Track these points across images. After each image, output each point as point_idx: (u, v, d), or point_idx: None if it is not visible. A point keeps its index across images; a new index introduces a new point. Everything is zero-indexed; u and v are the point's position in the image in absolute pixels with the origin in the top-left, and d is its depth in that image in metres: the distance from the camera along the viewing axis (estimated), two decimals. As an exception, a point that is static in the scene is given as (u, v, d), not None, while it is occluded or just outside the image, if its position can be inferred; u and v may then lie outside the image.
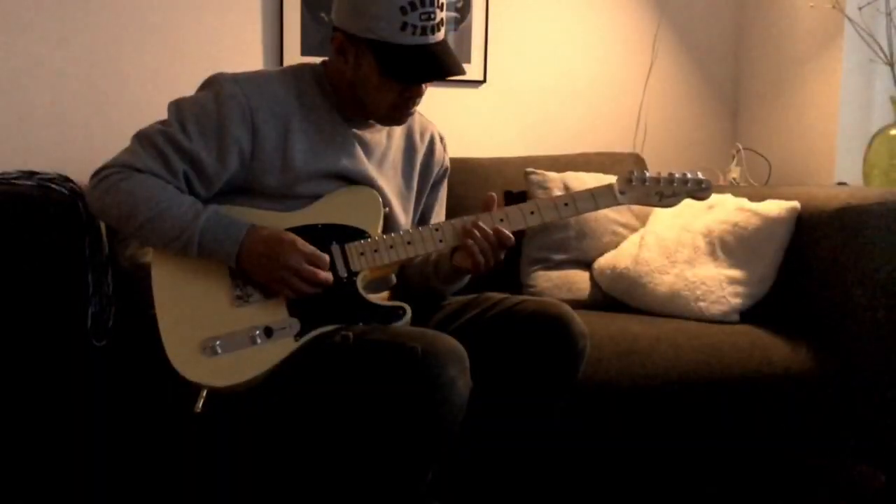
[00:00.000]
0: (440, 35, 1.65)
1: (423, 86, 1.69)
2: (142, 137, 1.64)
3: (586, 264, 2.41)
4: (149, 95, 2.40)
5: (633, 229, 2.44)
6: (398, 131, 1.83)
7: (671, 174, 1.77)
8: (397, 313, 1.64)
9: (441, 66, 1.64)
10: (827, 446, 2.10)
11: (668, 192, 1.76)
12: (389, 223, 1.77)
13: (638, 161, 2.76)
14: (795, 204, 2.16)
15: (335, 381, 1.56)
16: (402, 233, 1.70)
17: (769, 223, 2.15)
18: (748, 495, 2.11)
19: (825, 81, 2.69)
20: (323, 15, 2.56)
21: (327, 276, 1.61)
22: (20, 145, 2.30)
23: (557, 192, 2.44)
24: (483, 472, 1.74)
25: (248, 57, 2.51)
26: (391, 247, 1.67)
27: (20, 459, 1.63)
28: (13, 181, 1.80)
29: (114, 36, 2.39)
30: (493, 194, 1.73)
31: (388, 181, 1.80)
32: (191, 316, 1.60)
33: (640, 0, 2.92)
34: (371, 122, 1.76)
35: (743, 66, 3.03)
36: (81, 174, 1.91)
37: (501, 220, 1.70)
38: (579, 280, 2.38)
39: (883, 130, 2.50)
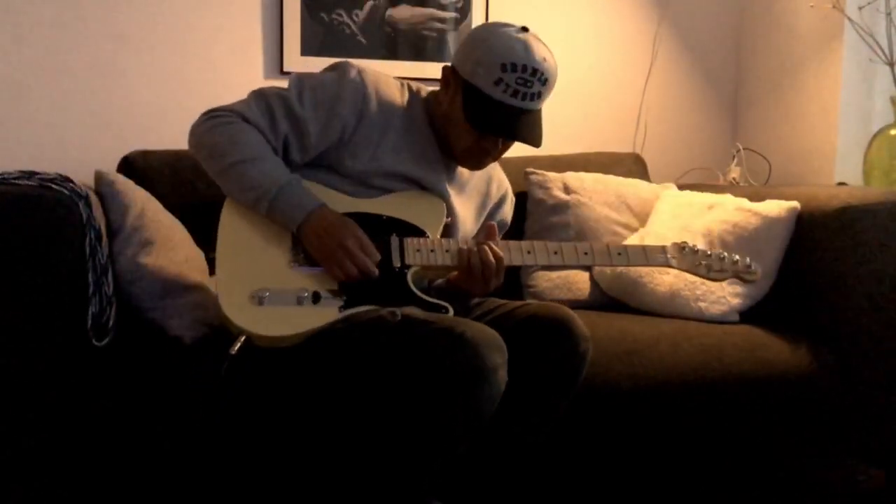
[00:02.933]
0: (534, 105, 1.72)
1: (500, 143, 1.76)
2: (259, 94, 1.75)
3: (586, 264, 2.40)
4: (149, 96, 2.40)
5: (633, 229, 2.44)
6: (480, 174, 1.91)
7: (722, 252, 1.83)
8: (440, 310, 1.67)
9: (515, 128, 1.72)
10: (827, 446, 2.10)
11: (716, 266, 1.81)
12: (449, 235, 1.82)
13: (638, 161, 2.76)
14: (795, 204, 2.16)
15: (380, 354, 1.59)
16: (461, 240, 1.77)
17: (769, 223, 2.15)
18: (748, 495, 2.11)
19: (825, 81, 2.69)
20: (323, 15, 2.56)
21: (374, 268, 1.66)
22: (20, 145, 2.31)
23: (557, 192, 2.44)
24: (483, 472, 1.74)
25: (248, 57, 2.51)
26: (447, 251, 1.73)
27: (20, 459, 1.63)
28: (13, 181, 1.80)
29: (114, 36, 2.39)
30: (493, 224, 1.79)
31: (462, 205, 1.87)
32: (248, 266, 1.68)
33: (640, 0, 2.92)
34: None
35: (743, 66, 3.03)
36: (81, 174, 1.91)
37: (555, 252, 1.76)
38: (579, 280, 2.37)
39: (883, 130, 2.50)
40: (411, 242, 1.72)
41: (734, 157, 2.87)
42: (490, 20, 2.73)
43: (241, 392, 1.66)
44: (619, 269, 2.29)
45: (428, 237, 1.75)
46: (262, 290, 1.63)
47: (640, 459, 2.00)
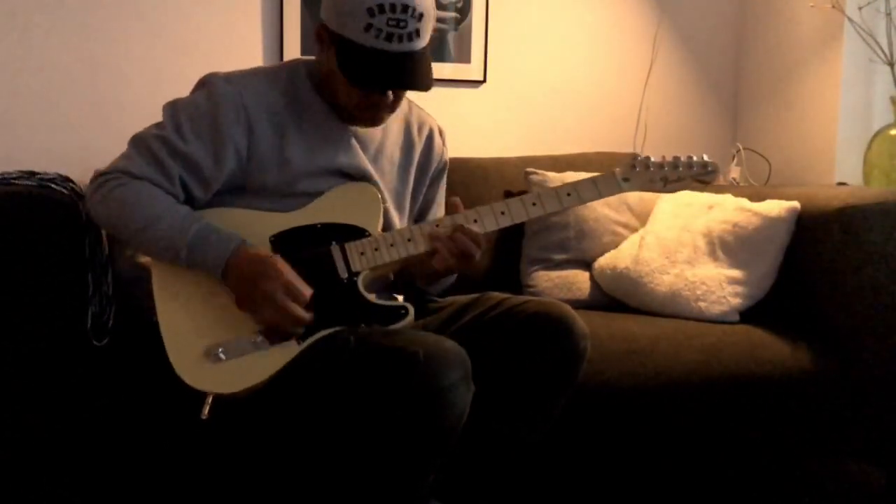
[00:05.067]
0: (414, 45, 1.58)
1: (390, 93, 1.64)
2: (138, 142, 1.63)
3: (586, 264, 2.41)
4: (149, 95, 2.40)
5: (633, 229, 2.44)
6: (395, 126, 1.80)
7: (676, 157, 1.73)
8: (399, 313, 1.63)
9: (397, 76, 1.58)
10: (827, 446, 2.10)
11: (672, 176, 1.72)
12: (385, 220, 1.75)
13: (638, 161, 2.75)
14: (795, 204, 2.16)
15: (336, 385, 1.55)
16: (402, 230, 1.69)
17: (769, 223, 2.15)
18: (748, 495, 2.11)
19: (825, 81, 2.69)
20: (323, 15, 2.56)
21: (303, 314, 1.56)
22: (20, 145, 2.31)
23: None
24: (483, 472, 1.74)
25: (248, 57, 2.51)
26: (392, 245, 1.65)
27: (20, 459, 1.63)
28: (13, 181, 1.80)
29: (114, 36, 2.39)
30: (456, 199, 1.70)
31: (384, 176, 1.78)
32: (193, 322, 1.58)
33: (640, 0, 2.92)
34: None
35: (743, 66, 3.03)
36: (81, 174, 1.91)
37: (503, 212, 1.68)
38: (579, 280, 2.38)
39: (883, 130, 2.50)
40: (354, 247, 1.64)
41: (734, 157, 2.87)
42: (490, 20, 2.73)
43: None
44: (620, 268, 2.29)
45: (369, 235, 1.66)
46: (215, 346, 1.56)
47: (639, 459, 2.00)
